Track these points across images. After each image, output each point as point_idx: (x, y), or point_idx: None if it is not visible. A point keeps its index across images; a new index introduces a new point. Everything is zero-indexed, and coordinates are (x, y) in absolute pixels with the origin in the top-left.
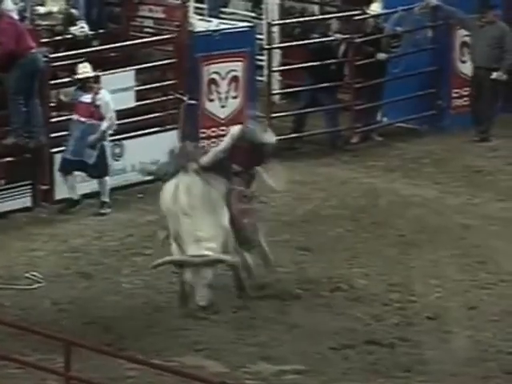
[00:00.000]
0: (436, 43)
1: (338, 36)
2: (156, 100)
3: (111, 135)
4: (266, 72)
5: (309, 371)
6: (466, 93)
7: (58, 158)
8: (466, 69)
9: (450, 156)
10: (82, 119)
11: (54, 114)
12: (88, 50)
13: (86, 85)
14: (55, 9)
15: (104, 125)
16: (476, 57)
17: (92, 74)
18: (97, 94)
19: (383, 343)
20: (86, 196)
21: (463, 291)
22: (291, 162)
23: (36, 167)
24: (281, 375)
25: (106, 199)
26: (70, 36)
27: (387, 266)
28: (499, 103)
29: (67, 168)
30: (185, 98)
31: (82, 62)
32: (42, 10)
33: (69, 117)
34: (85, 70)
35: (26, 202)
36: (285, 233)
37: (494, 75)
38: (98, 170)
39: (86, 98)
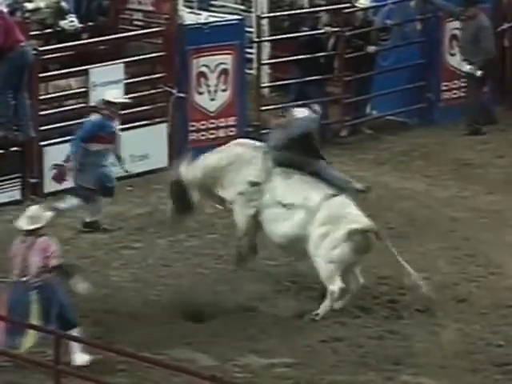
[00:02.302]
0: (425, 36)
1: (328, 29)
2: (145, 93)
3: None
4: (255, 65)
5: (298, 364)
6: (455, 86)
7: (47, 151)
8: (456, 62)
9: (439, 149)
10: (108, 147)
11: (43, 107)
12: (77, 43)
13: (114, 111)
14: (42, 4)
15: (119, 149)
16: (460, 50)
17: (126, 100)
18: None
19: (372, 336)
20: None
21: (452, 284)
22: None
23: (25, 160)
24: (270, 368)
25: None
26: (59, 29)
27: (377, 259)
28: (484, 95)
29: (89, 196)
30: (174, 91)
31: (113, 89)
32: (29, 5)
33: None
34: (118, 95)
35: (15, 195)
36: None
37: (467, 68)
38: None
39: (116, 126)
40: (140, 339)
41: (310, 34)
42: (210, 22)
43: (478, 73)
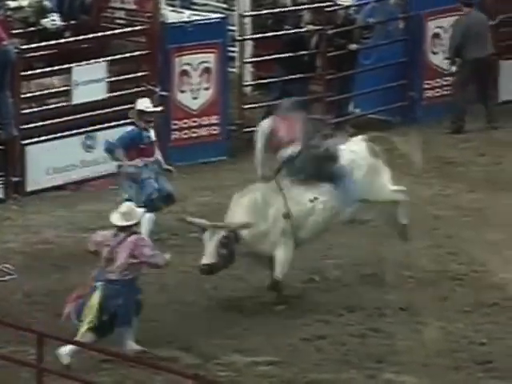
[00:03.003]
0: (408, 35)
1: (310, 27)
2: (128, 91)
3: (83, 126)
4: (237, 63)
5: (281, 362)
6: (437, 84)
7: (29, 150)
8: (438, 60)
9: (421, 147)
10: (153, 159)
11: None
12: (59, 41)
13: (147, 120)
14: (25, 2)
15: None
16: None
17: (159, 110)
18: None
19: (355, 334)
20: (58, 187)
21: (435, 282)
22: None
23: (7, 159)
24: (253, 366)
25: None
26: (41, 28)
27: (360, 257)
28: (465, 94)
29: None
30: (157, 90)
31: (141, 97)
32: (12, 4)
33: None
34: (149, 104)
35: None
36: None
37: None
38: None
39: (153, 136)
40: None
41: (292, 33)
42: (193, 21)
43: (453, 68)
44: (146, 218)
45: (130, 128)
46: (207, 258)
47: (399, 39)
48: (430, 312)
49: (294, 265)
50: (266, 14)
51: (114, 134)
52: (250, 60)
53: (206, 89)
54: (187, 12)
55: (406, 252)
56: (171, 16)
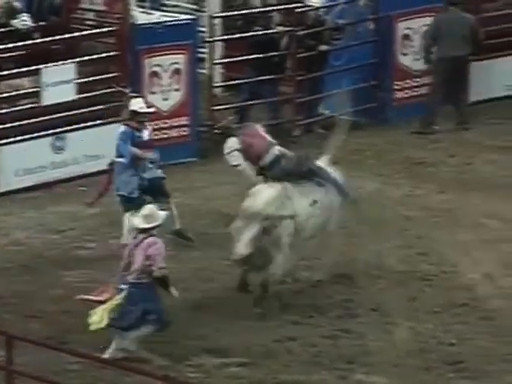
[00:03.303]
0: (378, 36)
1: (280, 28)
2: (98, 93)
3: (53, 127)
4: (207, 64)
5: (251, 364)
6: (407, 85)
7: (3, 151)
8: (408, 61)
9: (391, 148)
10: (151, 156)
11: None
12: (29, 42)
13: (140, 120)
14: None
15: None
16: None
17: (152, 111)
18: (147, 127)
19: (326, 335)
20: (28, 189)
21: (405, 283)
22: None
23: None
24: (223, 368)
25: None
26: (12, 29)
27: (330, 258)
28: (438, 95)
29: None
30: (127, 91)
31: (135, 97)
32: None
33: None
34: (142, 104)
35: None
36: (229, 226)
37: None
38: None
39: (146, 135)
40: (93, 340)
41: (262, 34)
42: (163, 22)
43: (427, 66)
44: (127, 217)
45: (121, 128)
46: (244, 249)
47: (369, 40)
48: (400, 312)
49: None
50: (235, 15)
51: (84, 135)
52: (220, 61)
53: (176, 90)
54: (157, 13)
55: (376, 252)
56: (141, 17)
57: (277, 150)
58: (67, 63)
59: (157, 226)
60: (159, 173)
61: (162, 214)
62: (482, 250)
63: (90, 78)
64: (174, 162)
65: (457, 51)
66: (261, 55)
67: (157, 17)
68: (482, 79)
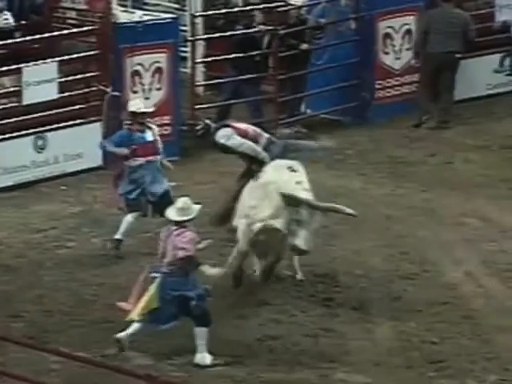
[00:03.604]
0: (359, 35)
1: (262, 27)
2: (79, 92)
3: (34, 127)
4: (189, 63)
5: (234, 363)
6: (389, 84)
7: None
8: (389, 60)
9: (373, 147)
10: (151, 158)
11: None
12: (10, 41)
13: (140, 121)
14: None
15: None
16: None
17: (150, 110)
18: (150, 128)
19: (308, 334)
20: (9, 188)
21: (387, 282)
22: (215, 154)
23: None
24: (206, 367)
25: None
26: None
27: (312, 257)
28: (428, 91)
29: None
30: (108, 90)
31: (133, 99)
32: None
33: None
34: (140, 105)
35: None
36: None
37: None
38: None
39: (148, 136)
40: (75, 339)
41: (244, 33)
42: (144, 21)
43: (413, 61)
44: (125, 219)
45: (121, 131)
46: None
47: (351, 39)
48: (381, 311)
49: (246, 265)
50: (217, 14)
51: (65, 135)
52: (202, 60)
53: (158, 89)
54: (139, 12)
55: (357, 251)
56: (122, 16)
57: (265, 134)
58: (48, 62)
59: (191, 219)
60: (167, 185)
61: (197, 206)
62: (463, 248)
63: (72, 77)
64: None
65: (447, 47)
66: (243, 54)
67: (138, 16)
68: (463, 78)
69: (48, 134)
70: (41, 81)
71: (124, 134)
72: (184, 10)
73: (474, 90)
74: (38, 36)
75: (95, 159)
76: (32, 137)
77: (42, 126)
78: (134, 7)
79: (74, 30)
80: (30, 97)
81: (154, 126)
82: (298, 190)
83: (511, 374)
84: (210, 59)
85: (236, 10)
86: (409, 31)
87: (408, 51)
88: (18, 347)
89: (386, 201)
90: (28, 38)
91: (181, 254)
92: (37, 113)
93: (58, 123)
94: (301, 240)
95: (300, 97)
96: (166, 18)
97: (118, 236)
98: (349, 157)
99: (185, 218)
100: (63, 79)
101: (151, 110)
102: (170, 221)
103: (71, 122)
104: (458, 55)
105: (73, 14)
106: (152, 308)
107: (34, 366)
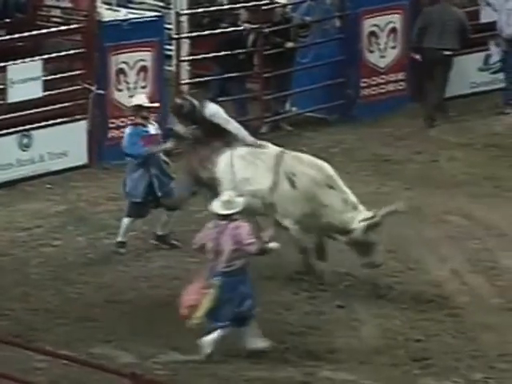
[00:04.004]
0: (344, 33)
1: (247, 26)
2: (64, 90)
3: (19, 125)
4: (174, 62)
5: (218, 361)
6: (374, 82)
7: None
8: (375, 58)
9: (358, 145)
10: (152, 149)
11: None
12: None
13: (144, 115)
14: None
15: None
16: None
17: (156, 105)
18: (152, 122)
19: (293, 332)
20: None
21: (372, 279)
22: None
23: None
24: (191, 365)
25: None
26: None
27: (297, 255)
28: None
29: (141, 211)
30: (93, 88)
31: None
32: None
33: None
34: (145, 99)
35: None
36: (194, 222)
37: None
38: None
39: (152, 129)
40: (60, 337)
41: (229, 31)
42: (129, 19)
43: (417, 56)
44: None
45: (127, 130)
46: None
47: (336, 38)
48: (367, 309)
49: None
50: (202, 12)
51: (50, 133)
52: (187, 58)
53: (143, 87)
54: (123, 10)
55: (342, 249)
56: (107, 14)
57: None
58: (33, 60)
59: (237, 213)
60: (172, 179)
61: (241, 200)
62: (448, 246)
63: (57, 76)
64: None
65: (440, 44)
66: (228, 52)
67: (123, 14)
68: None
69: (33, 133)
70: (26, 79)
71: (134, 132)
72: (169, 8)
73: (459, 88)
74: (22, 34)
75: (80, 157)
76: (17, 135)
77: (27, 125)
78: (118, 5)
79: (59, 28)
80: (14, 95)
81: (153, 121)
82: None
83: (496, 371)
84: (194, 57)
85: (221, 8)
86: (394, 29)
87: (393, 49)
88: (3, 345)
89: (371, 199)
90: (13, 36)
91: (253, 249)
92: (22, 111)
93: (43, 121)
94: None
95: (285, 95)
96: (150, 17)
97: (119, 239)
98: (334, 155)
99: (230, 212)
100: (48, 77)
101: (157, 104)
102: (218, 215)
103: (56, 121)
104: (448, 52)
105: (57, 12)
106: (212, 307)
107: (19, 364)
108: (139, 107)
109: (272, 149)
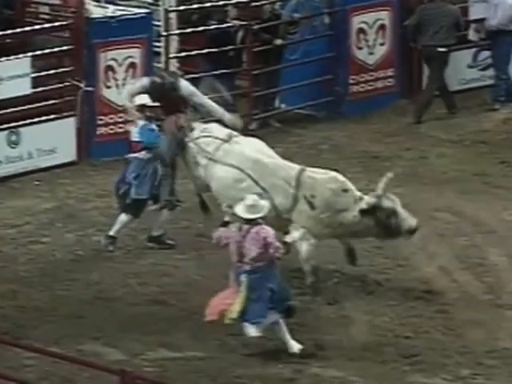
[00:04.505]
0: (333, 30)
1: (236, 22)
2: (53, 87)
3: (7, 122)
4: (163, 59)
5: (208, 357)
6: (362, 79)
7: None
8: (363, 55)
9: (347, 142)
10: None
11: None
12: None
13: (148, 114)
14: None
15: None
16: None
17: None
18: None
19: None
20: None
21: (361, 276)
22: None
23: None
24: (180, 362)
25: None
26: None
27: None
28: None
29: (141, 209)
30: (82, 85)
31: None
32: None
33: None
34: (148, 99)
35: None
36: (184, 219)
37: None
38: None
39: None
40: (48, 334)
41: (218, 28)
42: (118, 16)
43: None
44: (122, 219)
45: (149, 124)
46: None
47: (324, 34)
48: (356, 306)
49: (220, 260)
50: (191, 9)
51: (39, 130)
52: (176, 55)
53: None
54: (112, 7)
55: (331, 246)
56: (96, 11)
57: None
58: (22, 57)
59: (261, 218)
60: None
61: (265, 203)
62: (437, 243)
63: (45, 72)
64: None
65: (434, 41)
66: (216, 49)
67: (112, 10)
68: None
69: (21, 130)
70: (14, 76)
71: (145, 123)
72: (157, 5)
73: (448, 85)
74: (10, 31)
75: (69, 154)
76: (5, 132)
77: (16, 122)
78: (107, 2)
79: (48, 24)
80: (3, 92)
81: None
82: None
83: (484, 368)
84: (183, 54)
85: (210, 4)
86: (382, 26)
87: (382, 46)
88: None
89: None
90: (0, 32)
91: (278, 253)
92: (10, 108)
93: (31, 118)
94: None
95: (274, 92)
96: (139, 13)
97: (111, 233)
98: (322, 152)
99: (257, 216)
100: (37, 74)
101: (159, 104)
102: (242, 219)
103: (45, 117)
104: (441, 49)
105: (46, 8)
106: (244, 307)
107: (7, 361)
108: (143, 107)
109: (291, 167)
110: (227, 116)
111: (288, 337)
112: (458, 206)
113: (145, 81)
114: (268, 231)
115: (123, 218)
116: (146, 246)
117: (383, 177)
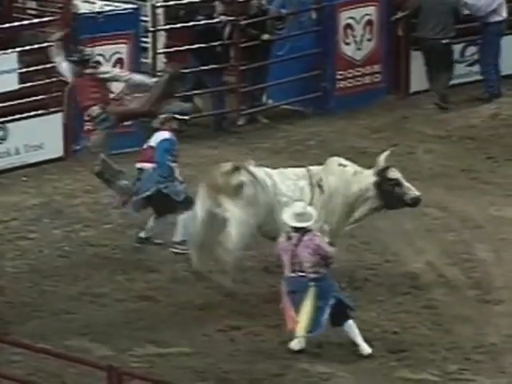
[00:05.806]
0: (320, 25)
1: (223, 18)
2: (40, 82)
3: None
4: (150, 54)
5: (196, 353)
6: (350, 75)
7: None
8: (351, 50)
9: (335, 138)
10: (149, 165)
11: None
12: None
13: (174, 127)
14: None
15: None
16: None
17: (187, 118)
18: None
19: (270, 325)
20: None
21: (349, 272)
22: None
23: None
24: (167, 358)
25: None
26: None
27: (271, 248)
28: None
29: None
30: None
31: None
32: None
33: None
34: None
35: None
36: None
37: None
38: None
39: (151, 141)
40: (36, 330)
41: (205, 23)
42: (105, 11)
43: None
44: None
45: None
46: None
47: (312, 30)
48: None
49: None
50: (178, 4)
51: (26, 125)
52: (163, 51)
53: None
54: (99, 2)
55: None
56: (83, 6)
57: None
58: (9, 53)
59: (309, 225)
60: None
61: (313, 210)
62: (424, 239)
63: (32, 68)
64: (118, 152)
65: (433, 34)
66: (204, 45)
67: (99, 6)
68: (424, 69)
69: (9, 125)
70: (1, 71)
71: (173, 140)
72: (145, 1)
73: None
74: None
75: (56, 150)
76: None
77: (3, 117)
78: None
79: (35, 20)
80: None
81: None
82: None
83: (472, 363)
84: (171, 50)
85: (197, 0)
86: (370, 22)
87: (369, 42)
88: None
89: None
90: None
91: (331, 262)
92: None
93: (18, 114)
94: None
95: (261, 87)
96: (126, 9)
97: (175, 239)
98: (310, 147)
99: (306, 224)
100: (24, 70)
101: (187, 117)
102: (292, 227)
103: (32, 113)
104: (444, 41)
105: (33, 4)
106: (312, 316)
107: None
108: (171, 118)
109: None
110: (148, 80)
111: (360, 339)
112: (446, 201)
113: (148, 80)
114: (320, 238)
115: (182, 217)
116: (133, 241)
117: (381, 155)
